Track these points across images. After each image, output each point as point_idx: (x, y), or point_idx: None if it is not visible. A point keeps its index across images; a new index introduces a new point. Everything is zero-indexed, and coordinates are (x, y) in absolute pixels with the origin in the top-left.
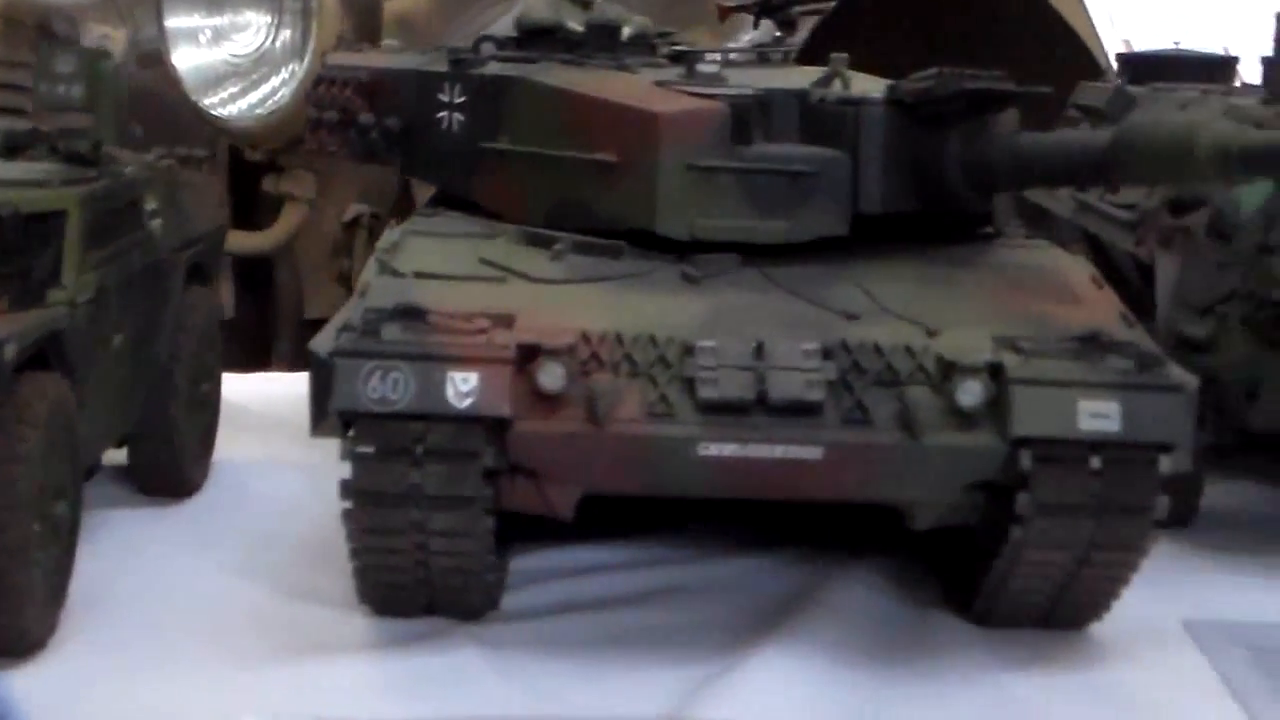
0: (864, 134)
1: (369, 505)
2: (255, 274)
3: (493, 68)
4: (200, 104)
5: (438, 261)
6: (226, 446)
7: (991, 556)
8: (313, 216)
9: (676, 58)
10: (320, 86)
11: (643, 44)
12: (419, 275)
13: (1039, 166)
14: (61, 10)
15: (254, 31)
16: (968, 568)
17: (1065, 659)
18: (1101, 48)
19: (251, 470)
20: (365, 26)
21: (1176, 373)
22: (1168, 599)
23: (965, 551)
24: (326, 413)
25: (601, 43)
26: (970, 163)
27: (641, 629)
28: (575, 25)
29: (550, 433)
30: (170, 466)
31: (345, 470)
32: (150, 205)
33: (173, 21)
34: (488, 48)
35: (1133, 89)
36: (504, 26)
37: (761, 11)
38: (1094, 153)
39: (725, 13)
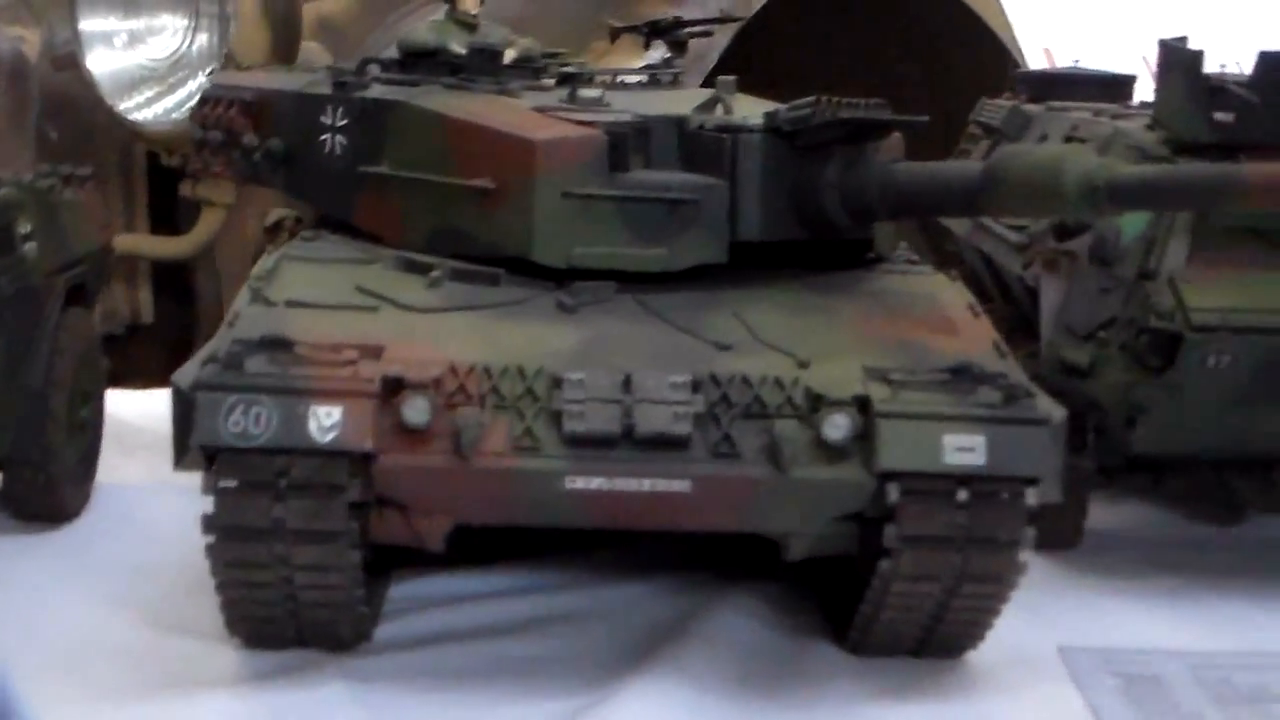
0: (742, 162)
1: (232, 540)
2: (175, 279)
3: (375, 90)
4: (116, 108)
5: (312, 289)
6: (112, 470)
7: (865, 587)
8: (233, 221)
9: (566, 79)
10: (206, 106)
11: (528, 67)
12: (291, 304)
13: (914, 196)
14: None
15: (170, 35)
16: (843, 597)
17: (937, 689)
18: (1021, 55)
19: (136, 495)
20: (283, 32)
21: (1044, 405)
22: (1045, 625)
23: (841, 581)
24: (188, 447)
25: (484, 66)
26: (847, 191)
27: (514, 660)
28: (458, 48)
29: (415, 466)
30: (46, 492)
31: (208, 505)
32: (24, 229)
33: (87, 24)
34: (372, 69)
35: (1029, 108)
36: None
37: (651, 33)
38: (967, 184)
39: (616, 33)
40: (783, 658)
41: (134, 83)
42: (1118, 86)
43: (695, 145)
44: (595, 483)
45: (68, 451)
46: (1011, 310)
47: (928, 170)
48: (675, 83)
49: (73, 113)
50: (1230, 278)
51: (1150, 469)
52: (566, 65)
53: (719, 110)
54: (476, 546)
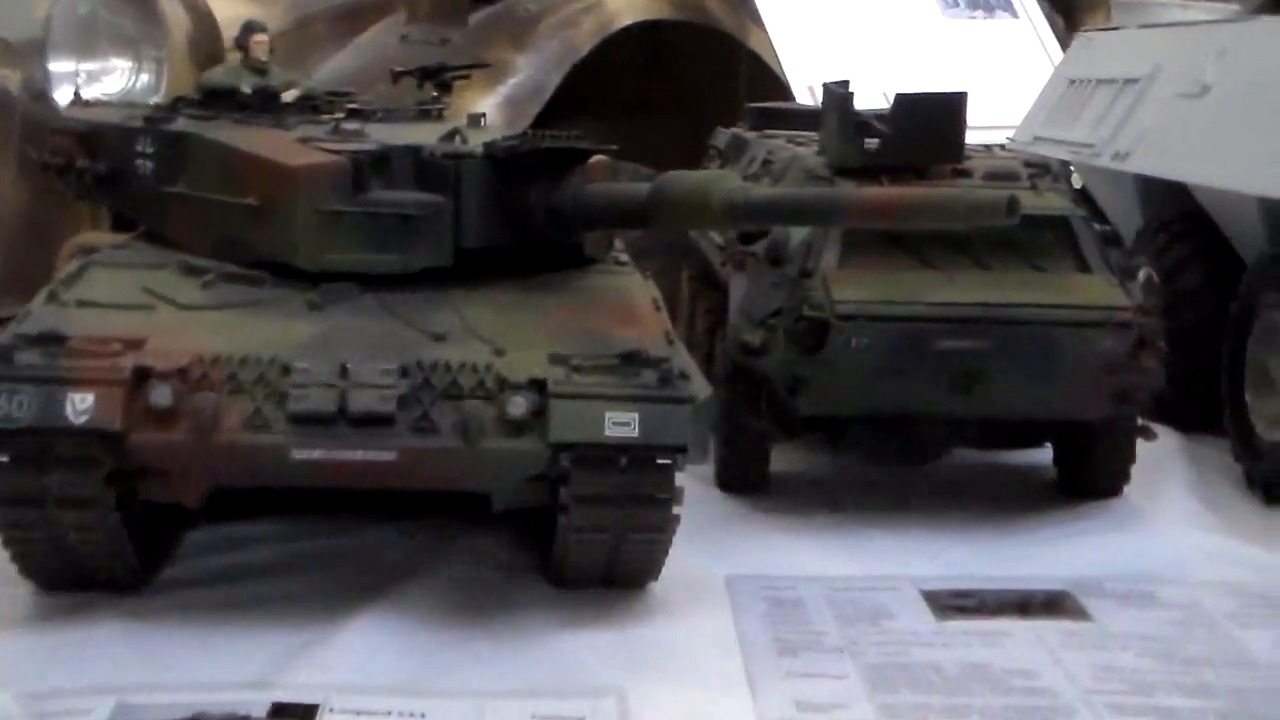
0: (464, 183)
1: (8, 505)
2: None
3: (178, 124)
4: None
5: (104, 291)
6: None
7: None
8: None
9: (353, 114)
10: (54, 136)
11: (308, 104)
12: (81, 303)
13: (599, 212)
14: None
15: (119, 75)
16: (546, 541)
17: (619, 615)
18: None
19: None
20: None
21: (695, 386)
22: (719, 557)
23: (545, 527)
24: None
25: (265, 105)
26: (549, 207)
27: (267, 597)
28: (247, 89)
29: (163, 442)
30: None
31: None
32: None
33: (55, 65)
34: (181, 105)
35: (745, 135)
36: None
37: (423, 76)
38: (638, 202)
39: (397, 77)
40: (497, 591)
41: None
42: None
43: (427, 169)
44: (316, 454)
45: None
46: (722, 305)
47: (610, 191)
48: (440, 117)
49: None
50: (872, 276)
51: (822, 428)
52: (352, 103)
53: (457, 139)
54: (264, 500)
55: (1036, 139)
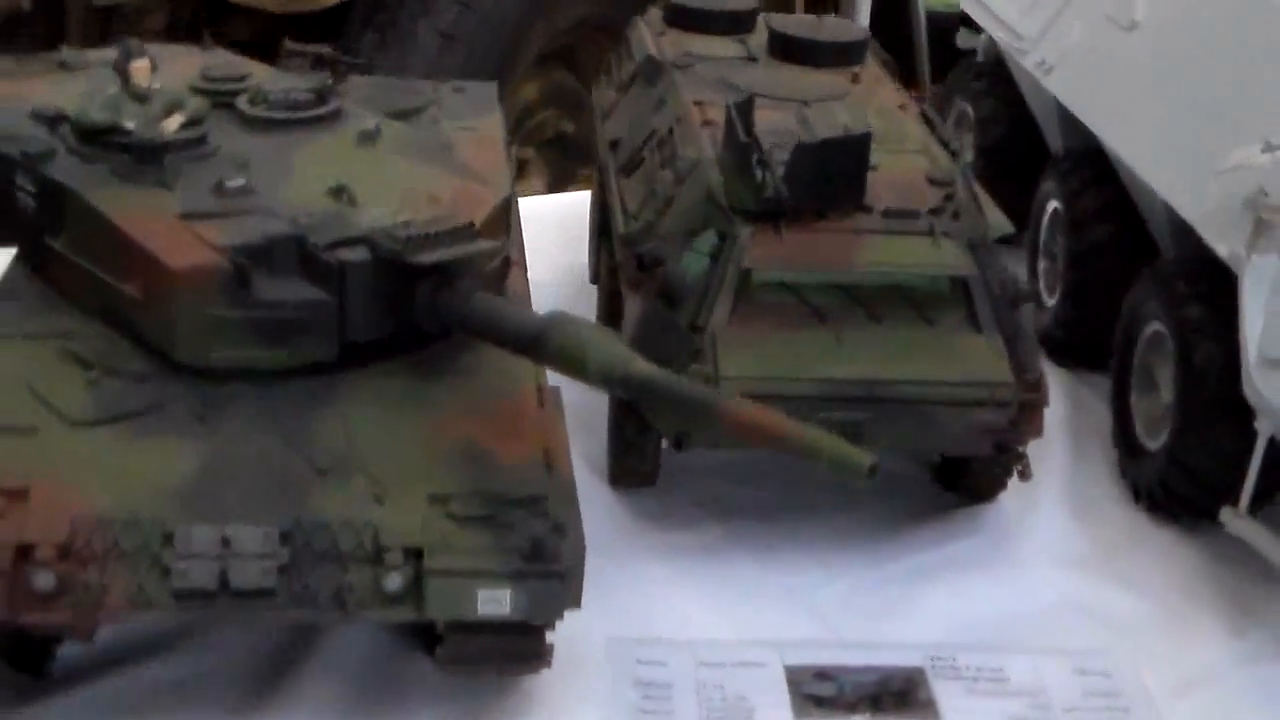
0: (349, 280)
1: None
2: None
3: (55, 170)
4: None
5: None
6: None
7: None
8: None
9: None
10: None
11: (193, 138)
12: None
13: (484, 330)
14: None
15: None
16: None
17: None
18: None
19: None
20: None
21: (568, 551)
22: (605, 597)
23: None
24: None
25: (146, 156)
26: (433, 310)
27: (164, 683)
28: (130, 123)
29: (47, 618)
30: None
31: None
32: None
33: None
34: (64, 130)
35: (661, 59)
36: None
37: (316, 63)
38: (525, 336)
39: (288, 54)
40: (386, 673)
41: None
42: (741, 21)
43: (311, 262)
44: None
45: None
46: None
47: (497, 314)
48: (336, 116)
49: None
50: (761, 338)
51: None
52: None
53: (344, 200)
54: None
55: None
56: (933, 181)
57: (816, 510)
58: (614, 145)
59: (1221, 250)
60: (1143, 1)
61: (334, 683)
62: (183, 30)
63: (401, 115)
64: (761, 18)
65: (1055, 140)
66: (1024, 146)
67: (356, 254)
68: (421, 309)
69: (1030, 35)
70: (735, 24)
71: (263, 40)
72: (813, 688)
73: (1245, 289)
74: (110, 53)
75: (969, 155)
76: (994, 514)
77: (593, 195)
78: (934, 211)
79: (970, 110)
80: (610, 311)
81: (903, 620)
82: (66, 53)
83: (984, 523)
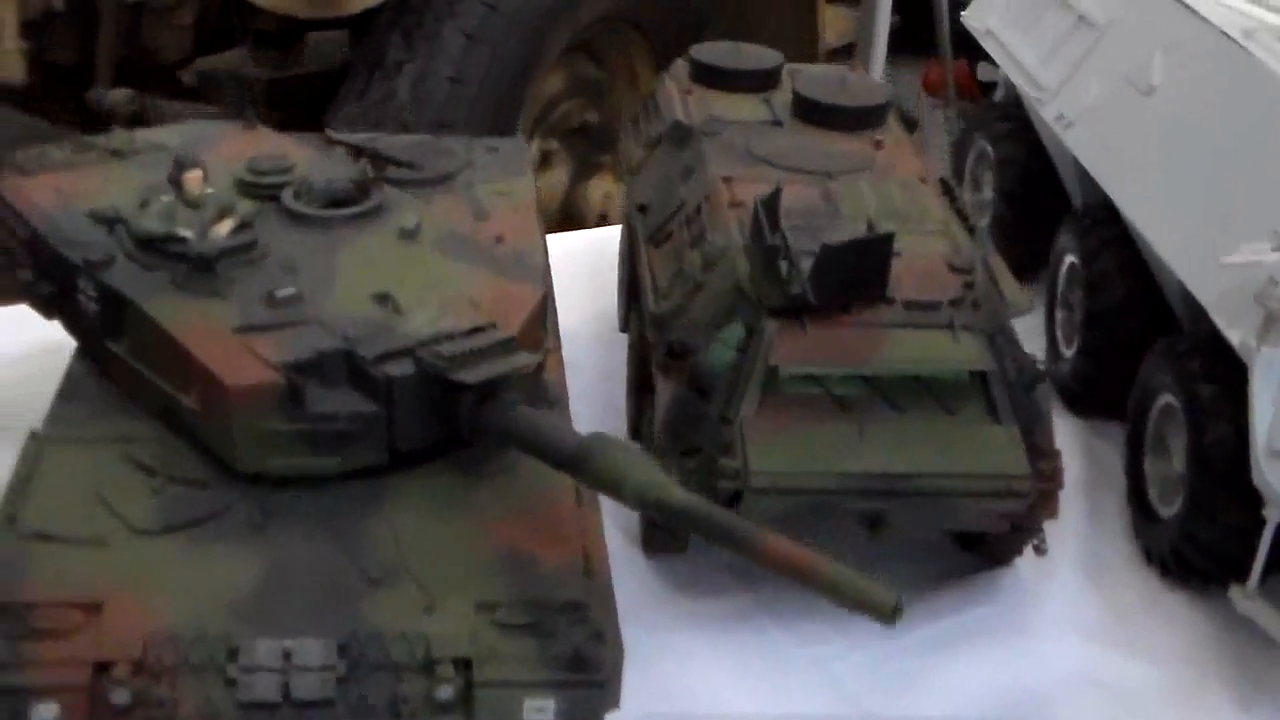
0: (396, 393)
1: None
2: None
3: (115, 278)
4: None
5: (58, 505)
6: None
7: None
8: None
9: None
10: None
11: (246, 242)
12: (37, 537)
13: (524, 444)
14: None
15: None
16: None
17: None
18: None
19: None
20: None
21: (607, 658)
22: (640, 670)
23: None
24: None
25: (202, 266)
26: (476, 423)
27: None
28: (186, 232)
29: None
30: None
31: None
32: None
33: None
34: (120, 231)
35: (690, 124)
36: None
37: (357, 153)
38: (561, 454)
39: (332, 143)
40: None
41: None
42: (766, 78)
43: (360, 375)
44: None
45: None
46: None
47: (537, 429)
48: (379, 211)
49: None
50: (787, 432)
51: None
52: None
53: (389, 307)
54: None
55: (989, 32)
56: (953, 268)
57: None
58: (642, 209)
59: (1233, 338)
60: (1160, 66)
61: None
62: (212, 24)
63: (438, 181)
64: (785, 72)
65: (1075, 193)
66: (1044, 192)
67: (402, 368)
68: (465, 419)
69: (1050, 87)
70: (760, 81)
71: (288, 35)
72: None
73: (1255, 380)
74: (157, 133)
75: (988, 193)
76: (1010, 580)
77: (620, 246)
78: (954, 303)
79: (990, 150)
80: (640, 376)
81: (921, 693)
82: (117, 135)
83: (1000, 589)
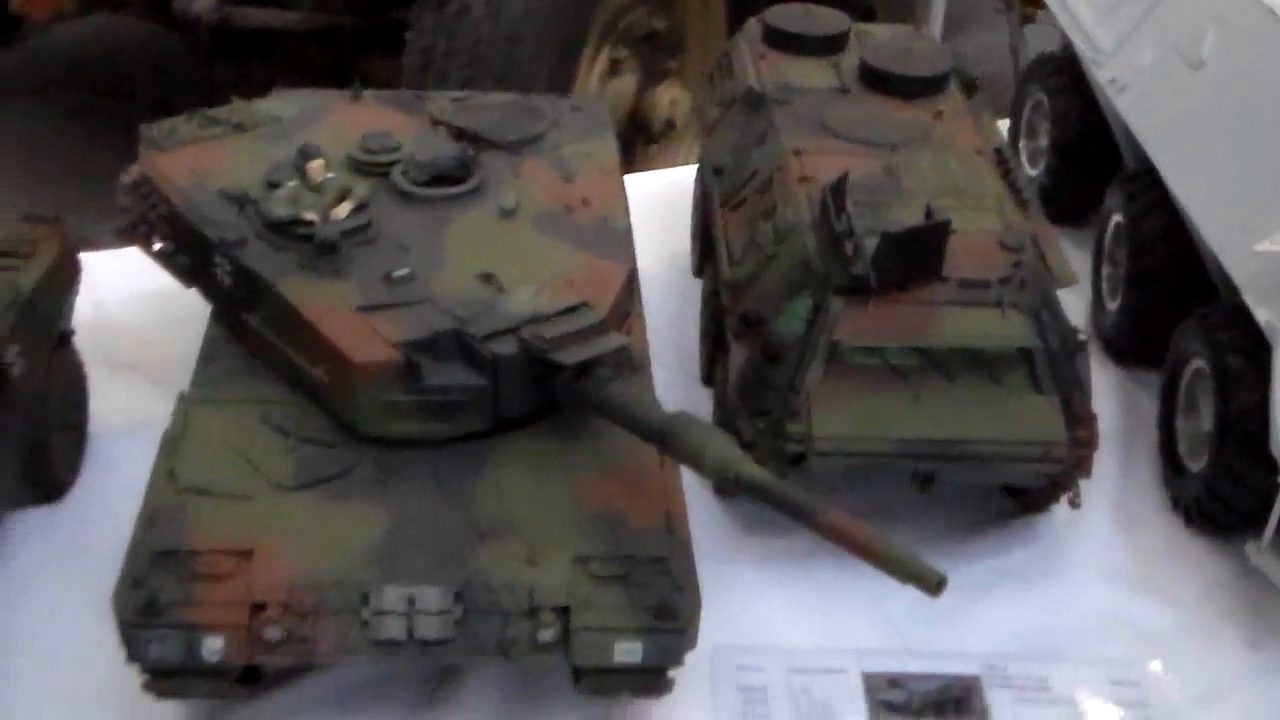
0: (501, 369)
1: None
2: None
3: (251, 252)
4: None
5: (210, 459)
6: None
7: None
8: None
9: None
10: (140, 188)
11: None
12: (191, 491)
13: (614, 418)
14: None
15: None
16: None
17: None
18: None
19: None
20: None
21: (687, 608)
22: (712, 606)
23: None
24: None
25: (325, 249)
26: (572, 396)
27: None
28: (311, 215)
29: (273, 663)
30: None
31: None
32: (7, 358)
33: None
34: (250, 210)
35: (761, 91)
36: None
37: (458, 135)
38: (649, 429)
39: (435, 123)
40: (533, 688)
41: None
42: (835, 42)
43: (469, 351)
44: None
45: (62, 454)
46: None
47: (628, 404)
48: (480, 190)
49: None
50: (850, 398)
51: None
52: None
53: (493, 286)
54: None
55: None
56: (1004, 246)
57: (895, 518)
58: (718, 171)
59: (1260, 316)
60: (1210, 40)
61: (493, 692)
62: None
63: (528, 143)
64: (853, 34)
65: (1127, 154)
66: (1098, 147)
67: (506, 346)
68: (562, 392)
69: (1105, 49)
70: (829, 46)
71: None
72: (886, 694)
73: (1278, 359)
74: (271, 105)
75: (1044, 141)
76: (1045, 526)
77: (695, 193)
78: (1003, 281)
79: (1046, 102)
80: (714, 326)
81: (963, 629)
82: (237, 107)
83: (1036, 535)
